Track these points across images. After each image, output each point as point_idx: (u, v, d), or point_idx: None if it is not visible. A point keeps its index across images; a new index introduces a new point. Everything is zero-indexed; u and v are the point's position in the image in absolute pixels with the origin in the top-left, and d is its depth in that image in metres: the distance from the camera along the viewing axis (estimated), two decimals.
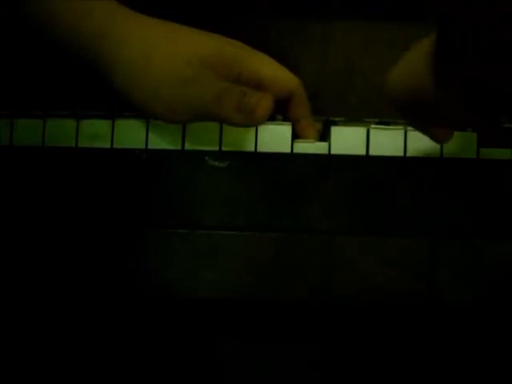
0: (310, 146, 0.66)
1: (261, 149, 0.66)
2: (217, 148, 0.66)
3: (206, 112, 0.65)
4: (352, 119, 0.74)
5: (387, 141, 0.66)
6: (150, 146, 0.67)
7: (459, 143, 0.65)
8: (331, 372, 0.83)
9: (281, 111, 0.71)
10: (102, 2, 0.67)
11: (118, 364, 0.84)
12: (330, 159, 0.65)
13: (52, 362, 0.83)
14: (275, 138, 0.66)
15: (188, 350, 0.84)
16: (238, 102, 0.64)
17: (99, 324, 0.83)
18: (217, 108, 0.64)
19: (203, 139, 0.66)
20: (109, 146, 0.67)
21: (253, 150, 0.66)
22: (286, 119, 0.70)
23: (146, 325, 0.83)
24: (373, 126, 0.66)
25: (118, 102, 0.71)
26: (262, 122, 0.65)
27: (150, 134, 0.67)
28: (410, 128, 0.66)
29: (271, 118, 0.66)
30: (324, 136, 0.70)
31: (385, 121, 0.72)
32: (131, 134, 0.67)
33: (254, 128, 0.66)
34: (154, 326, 0.83)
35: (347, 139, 0.66)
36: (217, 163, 0.65)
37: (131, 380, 0.84)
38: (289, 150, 0.66)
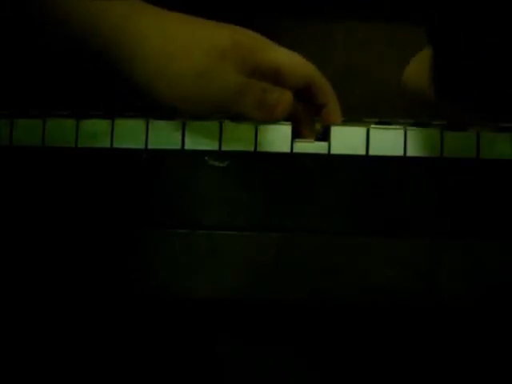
0: (310, 146, 0.66)
1: (261, 149, 0.66)
2: (217, 148, 0.66)
3: (226, 106, 0.66)
4: (352, 119, 0.74)
5: (387, 141, 0.66)
6: (149, 146, 0.67)
7: (459, 143, 0.65)
8: (331, 372, 0.83)
9: (306, 99, 0.71)
10: None
11: (118, 364, 0.84)
12: (329, 159, 0.65)
13: (52, 361, 0.83)
14: (275, 137, 0.66)
15: (188, 350, 0.84)
16: (259, 99, 0.65)
17: (99, 324, 0.83)
18: (237, 103, 0.65)
19: (203, 139, 0.66)
20: (109, 146, 0.67)
21: (253, 149, 0.66)
22: (287, 119, 0.70)
23: (145, 325, 0.83)
24: (373, 125, 0.66)
25: (118, 102, 0.71)
26: (281, 118, 0.66)
27: (149, 134, 0.67)
28: (409, 128, 0.66)
29: None
30: (324, 136, 0.70)
31: (385, 121, 0.72)
32: (131, 134, 0.67)
33: (254, 128, 0.66)
34: (153, 326, 0.83)
35: (347, 139, 0.66)
36: (217, 163, 0.65)
37: (131, 380, 0.84)
38: (289, 150, 0.66)
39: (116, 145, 0.67)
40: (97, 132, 0.67)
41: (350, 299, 0.65)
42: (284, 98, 0.65)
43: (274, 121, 0.66)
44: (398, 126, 0.66)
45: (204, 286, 0.65)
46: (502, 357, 0.82)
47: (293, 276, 0.65)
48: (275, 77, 0.68)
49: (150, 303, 0.80)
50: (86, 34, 0.66)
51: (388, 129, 0.66)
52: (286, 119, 0.69)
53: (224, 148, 0.66)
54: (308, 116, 0.72)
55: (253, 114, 0.65)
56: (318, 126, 0.73)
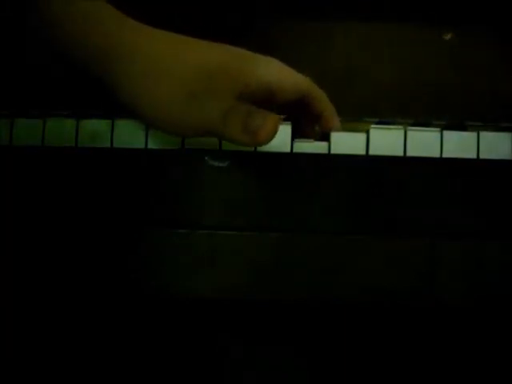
0: (310, 146, 0.66)
1: (261, 149, 0.66)
2: (217, 147, 0.66)
3: (212, 130, 0.65)
4: (352, 119, 0.74)
5: (387, 141, 0.66)
6: (149, 146, 0.67)
7: (459, 143, 0.65)
8: (331, 372, 0.83)
9: (301, 110, 0.71)
10: (108, 14, 0.66)
11: (118, 364, 0.84)
12: (329, 159, 0.65)
13: (52, 361, 0.83)
14: (275, 137, 0.66)
15: (188, 349, 0.84)
16: (243, 123, 0.64)
17: (99, 324, 0.83)
18: (222, 127, 0.64)
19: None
20: (109, 146, 0.67)
21: (253, 149, 0.66)
22: (287, 119, 0.70)
23: (146, 325, 0.83)
24: (373, 126, 0.66)
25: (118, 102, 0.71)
26: (267, 143, 0.64)
27: (149, 134, 0.67)
28: (410, 128, 0.66)
29: None
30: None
31: (385, 121, 0.72)
32: (131, 134, 0.67)
33: None
34: (153, 326, 0.83)
35: (347, 139, 0.66)
36: (216, 163, 0.65)
37: (131, 380, 0.84)
38: (289, 150, 0.66)
39: (116, 145, 0.67)
40: (97, 132, 0.67)
41: (350, 299, 0.65)
42: (268, 122, 0.64)
43: (260, 145, 0.64)
44: (397, 126, 0.66)
45: (204, 286, 0.65)
46: (501, 356, 0.82)
47: (293, 276, 0.65)
48: (267, 95, 0.67)
49: (149, 303, 0.80)
50: (74, 51, 0.66)
51: (388, 129, 0.66)
52: (286, 119, 0.69)
53: (224, 147, 0.66)
54: (309, 116, 0.72)
55: (238, 138, 0.64)
56: (318, 127, 0.73)
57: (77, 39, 0.65)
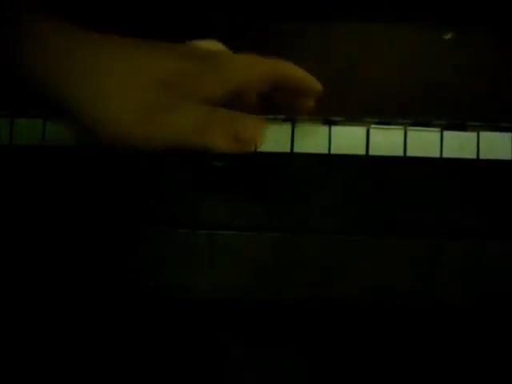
0: (310, 146, 0.66)
1: (261, 148, 0.66)
2: None
3: (185, 142, 0.61)
4: (352, 119, 0.74)
5: (387, 140, 0.66)
6: None
7: (459, 143, 0.65)
8: (331, 372, 0.83)
9: (283, 90, 0.68)
10: (56, 33, 0.60)
11: (117, 364, 0.84)
12: (329, 159, 0.65)
13: (51, 361, 0.83)
14: (275, 137, 0.66)
15: (188, 350, 0.84)
16: (225, 131, 0.61)
17: (99, 324, 0.83)
18: (200, 136, 0.61)
19: None
20: None
21: (253, 149, 0.66)
22: (286, 119, 0.70)
23: (145, 325, 0.83)
24: (373, 125, 0.66)
25: None
26: (251, 148, 0.62)
27: None
28: (410, 128, 0.66)
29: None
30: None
31: (385, 121, 0.72)
32: None
33: None
34: (153, 326, 0.83)
35: (347, 139, 0.66)
36: (216, 163, 0.65)
37: (131, 380, 0.84)
38: (289, 150, 0.66)
39: None
40: None
41: (350, 299, 0.65)
42: (251, 126, 0.61)
43: (244, 152, 0.62)
44: (397, 126, 0.66)
45: (204, 286, 0.65)
46: (501, 356, 0.82)
47: (293, 276, 0.65)
48: (236, 94, 0.63)
49: (149, 303, 0.80)
50: (30, 77, 0.60)
51: (388, 129, 0.66)
52: (286, 119, 0.69)
53: None
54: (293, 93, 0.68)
55: (222, 148, 0.61)
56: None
57: (30, 64, 0.60)
